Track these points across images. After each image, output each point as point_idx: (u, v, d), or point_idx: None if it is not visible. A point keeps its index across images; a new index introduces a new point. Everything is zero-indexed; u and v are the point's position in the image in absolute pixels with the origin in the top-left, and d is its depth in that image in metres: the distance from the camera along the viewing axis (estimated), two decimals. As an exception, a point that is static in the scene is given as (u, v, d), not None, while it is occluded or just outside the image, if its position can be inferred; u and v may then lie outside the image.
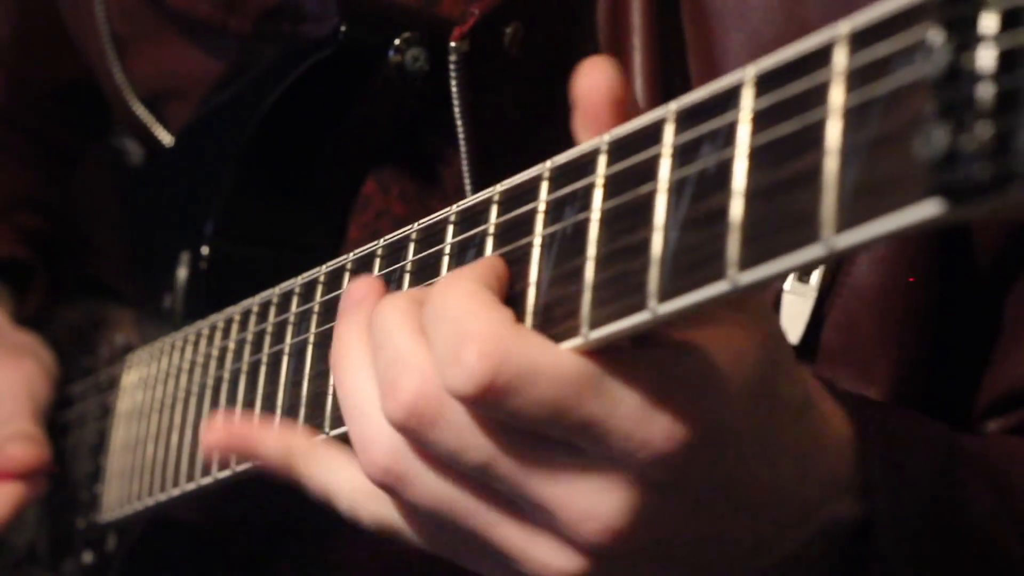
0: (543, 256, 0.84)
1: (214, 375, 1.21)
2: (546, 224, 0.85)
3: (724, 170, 0.73)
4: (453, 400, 0.81)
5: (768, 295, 1.08)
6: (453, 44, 1.11)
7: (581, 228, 0.81)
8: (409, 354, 0.83)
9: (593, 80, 0.82)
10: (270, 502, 1.25)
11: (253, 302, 1.16)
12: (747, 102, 0.73)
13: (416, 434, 0.83)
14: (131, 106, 1.42)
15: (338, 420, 0.98)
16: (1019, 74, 0.62)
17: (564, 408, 0.79)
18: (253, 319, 1.16)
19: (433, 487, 0.86)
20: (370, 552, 1.26)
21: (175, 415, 1.27)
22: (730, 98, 0.74)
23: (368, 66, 1.20)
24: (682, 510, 0.83)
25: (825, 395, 0.87)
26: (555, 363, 0.79)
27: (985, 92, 0.62)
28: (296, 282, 1.10)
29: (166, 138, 1.41)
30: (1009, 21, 0.62)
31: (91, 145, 1.58)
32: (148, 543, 1.41)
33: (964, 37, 0.63)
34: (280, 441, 0.99)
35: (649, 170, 0.78)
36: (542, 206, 0.85)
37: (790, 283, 1.08)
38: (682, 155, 0.77)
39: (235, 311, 1.19)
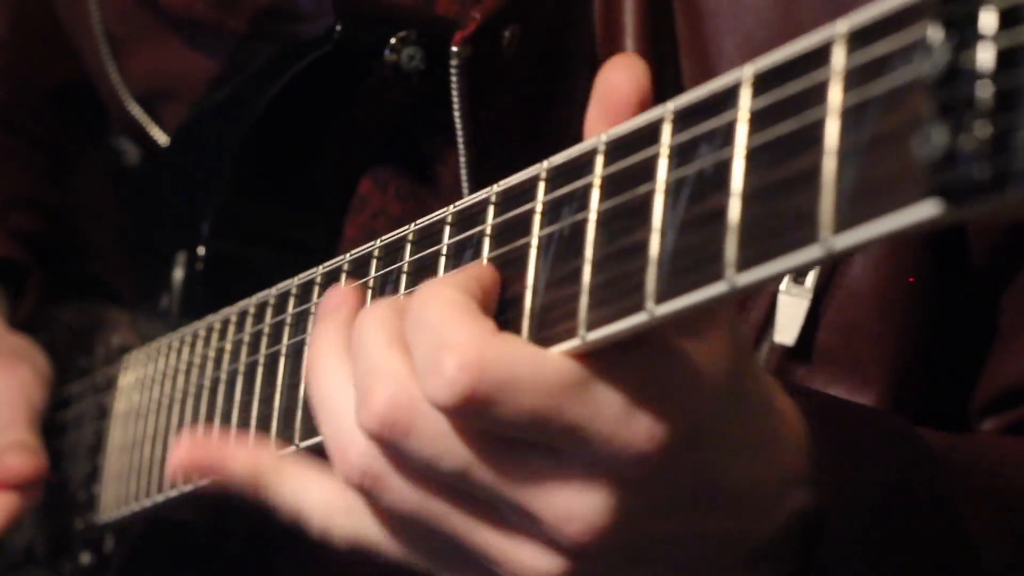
0: (540, 257, 0.84)
1: (211, 376, 1.20)
2: (543, 225, 0.84)
3: (722, 170, 0.73)
4: (427, 408, 0.81)
5: (762, 295, 1.08)
6: (455, 49, 1.12)
7: (578, 229, 0.81)
8: (383, 363, 0.83)
9: (622, 76, 0.82)
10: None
11: (250, 303, 1.16)
12: (745, 102, 0.73)
13: (390, 443, 0.83)
14: (127, 106, 1.42)
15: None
16: (1018, 73, 0.61)
17: (546, 416, 0.79)
18: (250, 320, 1.16)
19: (411, 490, 0.86)
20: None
21: (172, 416, 1.27)
22: (728, 98, 0.74)
23: (364, 65, 1.20)
24: (661, 508, 0.83)
25: (780, 391, 0.88)
26: (536, 371, 0.79)
27: (984, 91, 0.62)
28: (292, 283, 1.10)
29: (162, 138, 1.41)
30: (1008, 19, 0.62)
31: (88, 146, 1.57)
32: (146, 544, 1.41)
33: (963, 36, 0.63)
34: (248, 459, 0.97)
35: (647, 170, 0.78)
36: (539, 207, 0.85)
37: (786, 284, 1.08)
38: (680, 155, 0.76)
39: (232, 312, 1.19)
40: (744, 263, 0.71)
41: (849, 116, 0.67)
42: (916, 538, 0.92)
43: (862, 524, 0.90)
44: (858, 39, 0.68)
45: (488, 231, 0.89)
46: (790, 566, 0.90)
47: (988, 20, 0.62)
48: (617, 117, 0.81)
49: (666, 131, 0.77)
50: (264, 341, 1.12)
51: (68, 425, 1.52)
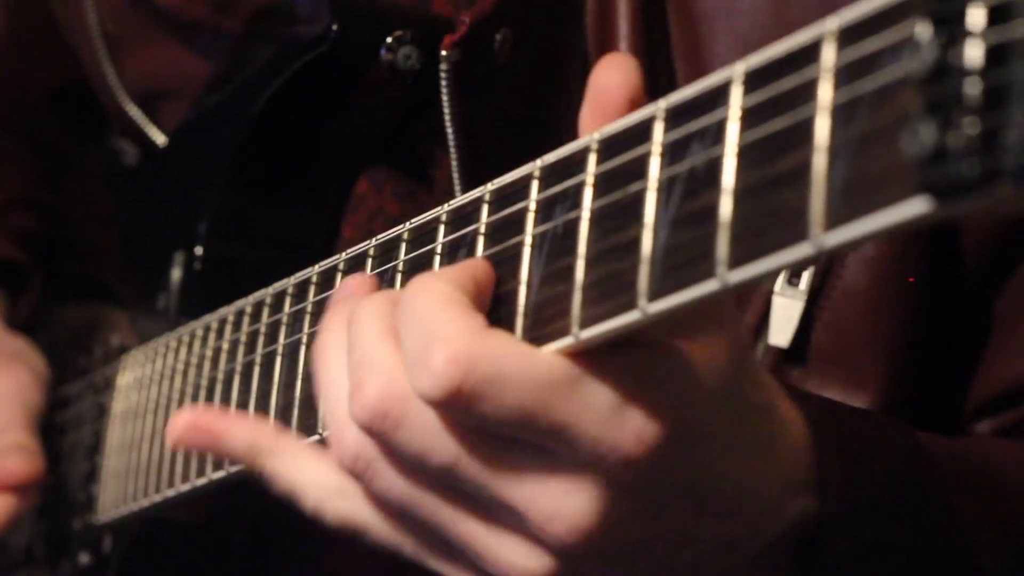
0: (534, 255, 0.84)
1: (208, 376, 1.20)
2: (536, 223, 0.84)
3: (713, 168, 0.73)
4: (418, 402, 0.81)
5: (757, 297, 1.08)
6: (444, 53, 1.12)
7: (571, 227, 0.81)
8: (375, 355, 0.83)
9: (614, 74, 0.82)
10: (267, 501, 1.24)
11: (246, 302, 1.16)
12: (736, 99, 0.73)
13: (381, 435, 0.83)
14: (124, 107, 1.42)
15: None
16: (1006, 69, 0.61)
17: (533, 413, 0.79)
18: (246, 320, 1.16)
19: (401, 480, 0.86)
20: (368, 550, 1.26)
21: (170, 416, 1.27)
22: (719, 95, 0.74)
23: (360, 65, 1.20)
24: (651, 511, 0.83)
25: (784, 397, 0.88)
26: (524, 368, 0.79)
27: (973, 88, 0.62)
28: (289, 282, 1.10)
29: (160, 138, 1.41)
30: (996, 16, 0.62)
31: (87, 146, 1.57)
32: (145, 544, 1.41)
33: (952, 32, 0.63)
34: (247, 435, 0.98)
35: (639, 168, 0.78)
36: (532, 205, 0.85)
37: (780, 285, 1.08)
38: (672, 153, 0.76)
39: (228, 311, 1.19)
40: (735, 261, 0.71)
41: (839, 113, 0.67)
42: (917, 542, 0.92)
43: (864, 529, 0.90)
44: (848, 36, 0.68)
45: (482, 230, 0.89)
46: (792, 570, 0.90)
47: (976, 17, 0.62)
48: (609, 115, 0.81)
49: (658, 129, 0.77)
50: (261, 340, 1.12)
51: (67, 425, 1.52)
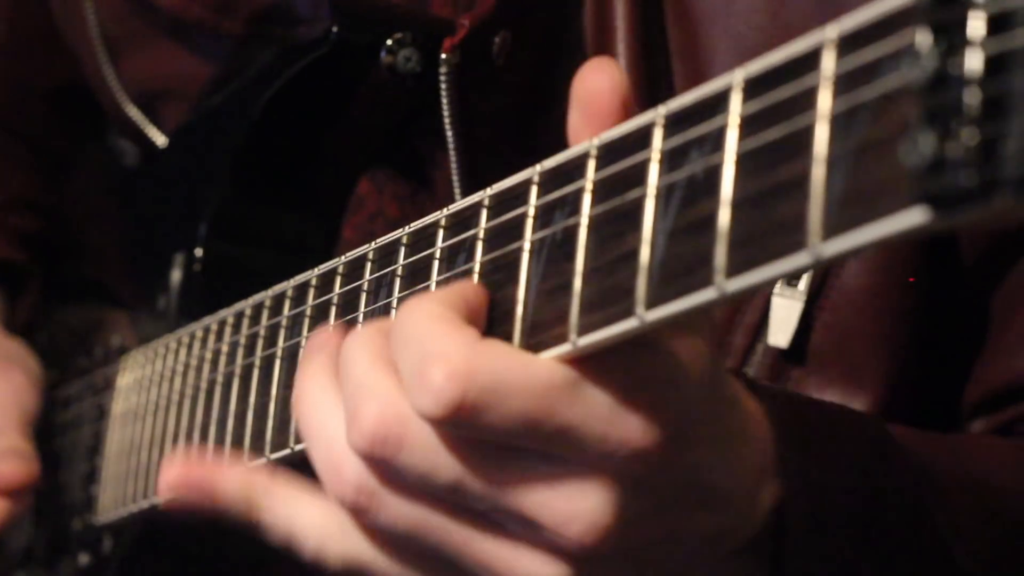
0: (532, 262, 0.84)
1: (207, 378, 1.20)
2: (535, 229, 0.84)
3: (712, 176, 0.73)
4: (417, 422, 0.81)
5: (756, 298, 1.08)
6: (444, 56, 1.12)
7: (570, 233, 0.81)
8: (369, 382, 0.83)
9: (598, 81, 0.82)
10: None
11: (245, 305, 1.16)
12: (735, 107, 0.73)
13: (382, 460, 0.82)
14: (124, 108, 1.41)
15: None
16: (1006, 79, 0.61)
17: (537, 419, 0.79)
18: (245, 322, 1.16)
19: (407, 506, 0.85)
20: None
21: (169, 418, 1.27)
22: (719, 103, 0.74)
23: (360, 67, 1.20)
24: (658, 506, 0.83)
25: (743, 389, 0.88)
26: (523, 375, 0.79)
27: (972, 98, 0.61)
28: (288, 285, 1.10)
29: (160, 140, 1.41)
30: (996, 25, 0.62)
31: (87, 147, 1.57)
32: (144, 544, 1.41)
33: (951, 41, 0.63)
34: (240, 483, 0.95)
35: (638, 175, 0.78)
36: (532, 211, 0.85)
37: (779, 287, 1.08)
38: (671, 160, 0.76)
39: (228, 314, 1.19)
40: (733, 269, 0.71)
41: (838, 122, 0.67)
42: (882, 528, 0.92)
43: (823, 512, 0.89)
44: (847, 44, 0.67)
45: (481, 235, 0.89)
46: (767, 558, 0.90)
47: (976, 26, 0.62)
48: (603, 121, 0.81)
49: (657, 136, 0.77)
50: (260, 343, 1.12)
51: (66, 426, 1.52)
